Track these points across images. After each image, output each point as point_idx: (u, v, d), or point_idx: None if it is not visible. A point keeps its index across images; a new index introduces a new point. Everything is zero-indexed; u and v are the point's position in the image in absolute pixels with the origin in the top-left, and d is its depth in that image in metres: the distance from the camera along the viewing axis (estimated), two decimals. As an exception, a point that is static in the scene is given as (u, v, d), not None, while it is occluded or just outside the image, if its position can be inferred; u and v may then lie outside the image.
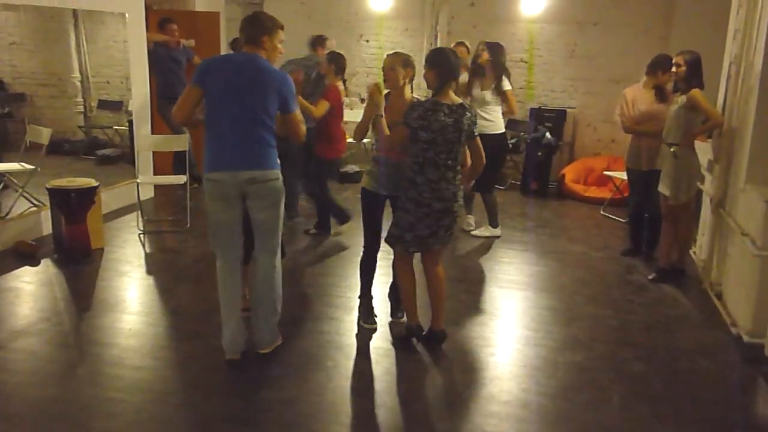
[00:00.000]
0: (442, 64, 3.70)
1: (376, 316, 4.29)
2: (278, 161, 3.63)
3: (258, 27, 3.53)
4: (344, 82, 5.78)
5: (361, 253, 4.22)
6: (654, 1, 7.97)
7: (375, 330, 4.20)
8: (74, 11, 7.03)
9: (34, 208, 5.85)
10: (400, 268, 3.98)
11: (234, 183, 3.48)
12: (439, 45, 8.56)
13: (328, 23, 8.88)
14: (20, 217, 5.71)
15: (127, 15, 6.73)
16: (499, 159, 6.28)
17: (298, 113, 3.66)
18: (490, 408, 3.39)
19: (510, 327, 4.40)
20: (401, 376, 3.72)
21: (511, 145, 7.68)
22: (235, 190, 3.51)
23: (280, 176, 3.62)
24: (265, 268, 3.69)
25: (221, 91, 3.46)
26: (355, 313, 4.35)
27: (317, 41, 6.31)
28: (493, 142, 5.52)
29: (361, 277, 4.27)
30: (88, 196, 5.26)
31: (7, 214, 5.66)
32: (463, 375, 3.75)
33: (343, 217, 5.99)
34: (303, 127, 3.72)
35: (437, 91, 3.69)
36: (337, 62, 5.63)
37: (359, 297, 4.31)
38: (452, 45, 6.55)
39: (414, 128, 3.64)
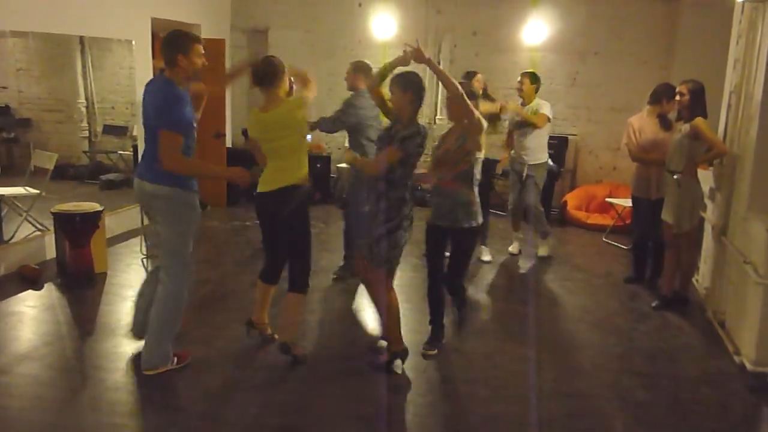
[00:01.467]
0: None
1: (442, 341, 4.33)
2: (173, 178, 3.60)
3: (170, 47, 3.61)
4: None
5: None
6: (654, 32, 8.06)
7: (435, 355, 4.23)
8: (81, 38, 7.12)
9: (38, 233, 5.87)
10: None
11: (138, 192, 3.75)
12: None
13: (332, 51, 8.98)
14: (24, 241, 5.74)
15: (134, 42, 6.83)
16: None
17: (167, 135, 3.52)
18: (493, 436, 3.37)
19: (512, 354, 4.38)
20: (402, 402, 3.70)
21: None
22: (142, 200, 3.83)
23: (175, 193, 3.64)
24: (158, 286, 3.81)
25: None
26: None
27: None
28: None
29: (429, 306, 4.35)
30: (92, 220, 5.28)
31: (11, 238, 5.68)
32: (465, 403, 3.73)
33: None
34: (170, 155, 3.54)
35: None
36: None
37: (429, 323, 4.36)
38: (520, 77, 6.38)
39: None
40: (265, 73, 3.80)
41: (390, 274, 3.92)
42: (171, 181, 3.61)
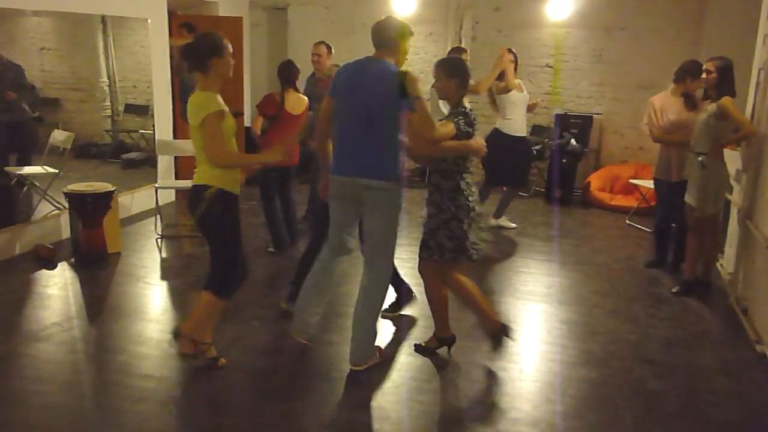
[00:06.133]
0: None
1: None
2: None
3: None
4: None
5: None
6: (684, 6, 7.77)
7: None
8: (102, 17, 7.11)
9: (57, 212, 5.91)
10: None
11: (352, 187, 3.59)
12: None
13: (352, 28, 8.85)
14: (42, 219, 5.78)
15: (149, 20, 6.79)
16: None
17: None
18: (498, 426, 3.29)
19: (524, 340, 4.27)
20: (409, 389, 3.64)
21: (535, 152, 7.56)
22: (356, 194, 3.60)
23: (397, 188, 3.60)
24: (364, 280, 3.72)
25: None
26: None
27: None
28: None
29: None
30: (104, 200, 5.29)
31: (31, 216, 5.73)
32: (473, 390, 3.66)
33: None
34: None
35: None
36: (281, 73, 5.50)
37: None
38: None
39: None
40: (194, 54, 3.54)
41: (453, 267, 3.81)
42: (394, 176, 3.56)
